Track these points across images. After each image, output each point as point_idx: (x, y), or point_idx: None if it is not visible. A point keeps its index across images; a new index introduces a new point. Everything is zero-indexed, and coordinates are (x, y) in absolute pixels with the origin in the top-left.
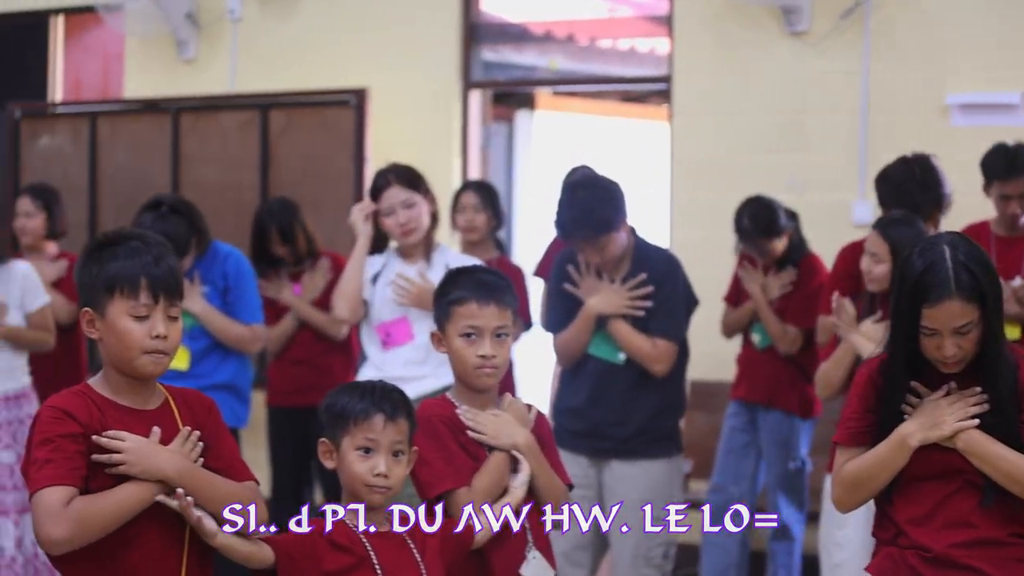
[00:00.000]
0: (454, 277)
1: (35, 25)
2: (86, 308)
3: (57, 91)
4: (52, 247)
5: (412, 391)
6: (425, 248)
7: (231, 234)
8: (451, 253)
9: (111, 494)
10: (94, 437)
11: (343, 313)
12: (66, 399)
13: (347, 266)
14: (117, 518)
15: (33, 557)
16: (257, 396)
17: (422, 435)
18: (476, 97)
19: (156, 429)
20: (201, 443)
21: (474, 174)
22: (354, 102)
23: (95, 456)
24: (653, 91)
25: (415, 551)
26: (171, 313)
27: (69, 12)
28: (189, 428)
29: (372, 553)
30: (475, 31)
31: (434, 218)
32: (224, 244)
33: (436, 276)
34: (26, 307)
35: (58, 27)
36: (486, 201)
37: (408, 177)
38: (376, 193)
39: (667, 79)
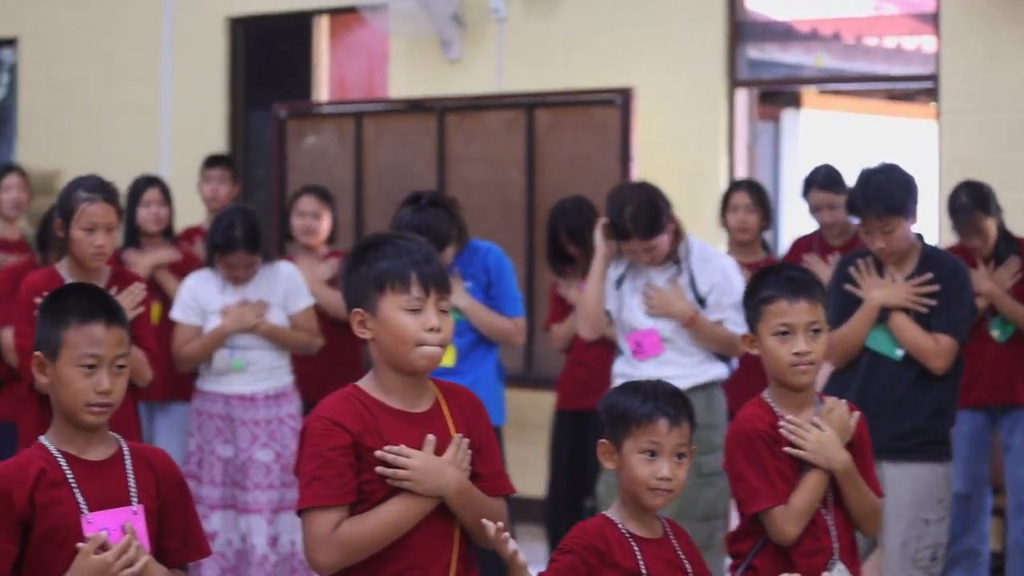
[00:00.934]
0: (762, 277)
1: (300, 26)
2: (356, 309)
3: (322, 91)
4: (323, 247)
5: None
6: (672, 253)
7: (497, 233)
8: (696, 249)
9: (380, 514)
10: (378, 453)
11: (584, 333)
12: (337, 406)
13: (587, 285)
14: (386, 539)
15: (289, 556)
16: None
17: (737, 447)
18: (742, 96)
19: (431, 438)
20: (470, 451)
21: (741, 174)
22: (620, 101)
23: (379, 469)
24: (920, 89)
25: (684, 559)
26: (442, 306)
27: (333, 12)
28: (461, 435)
29: (642, 564)
30: (740, 29)
31: (677, 234)
32: (482, 241)
33: (687, 280)
34: (289, 308)
35: (322, 27)
36: (758, 201)
37: (649, 226)
38: (617, 236)
39: (934, 77)
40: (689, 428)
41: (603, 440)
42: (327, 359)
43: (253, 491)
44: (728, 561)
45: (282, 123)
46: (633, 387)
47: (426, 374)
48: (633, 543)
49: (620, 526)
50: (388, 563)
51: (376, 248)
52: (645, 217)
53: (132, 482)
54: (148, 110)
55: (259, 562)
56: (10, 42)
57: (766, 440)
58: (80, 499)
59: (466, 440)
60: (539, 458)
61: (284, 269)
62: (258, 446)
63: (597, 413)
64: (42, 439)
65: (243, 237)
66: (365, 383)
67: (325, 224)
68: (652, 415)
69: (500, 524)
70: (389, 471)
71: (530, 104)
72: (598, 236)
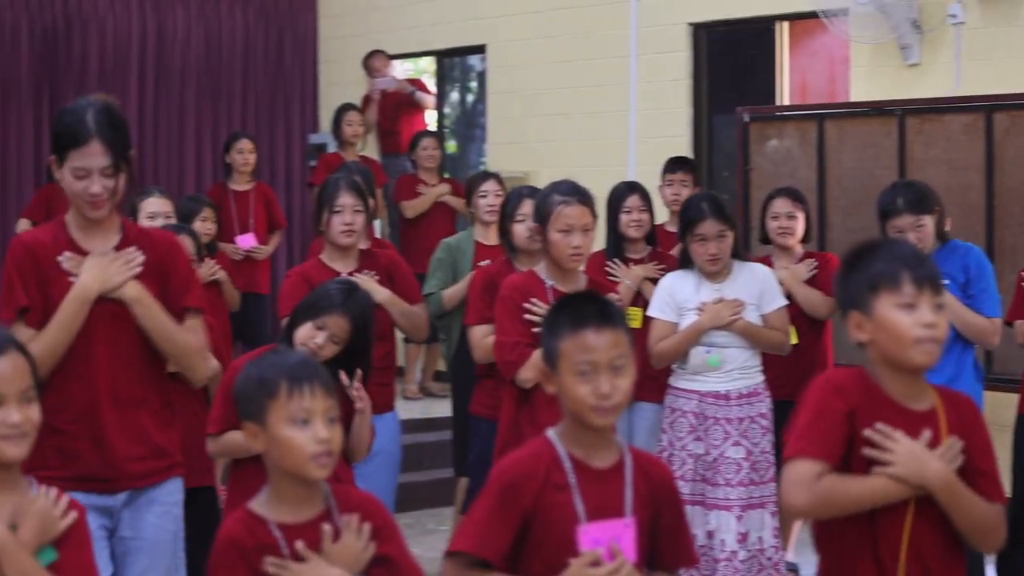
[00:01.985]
0: None
1: (762, 31)
2: (852, 311)
3: (784, 95)
4: (799, 248)
5: None
6: None
7: (957, 235)
8: None
9: (863, 483)
10: (867, 432)
11: None
12: (846, 377)
13: None
14: (861, 506)
15: (758, 552)
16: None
17: None
18: None
19: (927, 433)
20: (962, 456)
21: None
22: None
23: (865, 451)
24: None
25: None
26: (936, 305)
27: (794, 18)
28: (955, 438)
29: None
30: None
31: None
32: (962, 241)
33: None
34: (763, 307)
35: (783, 33)
36: None
37: None
38: None
39: None
40: None
41: None
42: (797, 359)
43: (723, 487)
44: None
45: (745, 126)
46: None
47: (923, 372)
48: None
49: None
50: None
51: (869, 252)
52: None
53: (629, 493)
54: (615, 115)
55: (727, 558)
56: (479, 49)
57: None
58: (579, 507)
59: (960, 444)
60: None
61: (760, 269)
62: (729, 443)
63: None
64: (551, 435)
65: (710, 209)
66: (871, 367)
67: (800, 225)
68: None
69: None
70: (873, 452)
71: (989, 107)
72: None
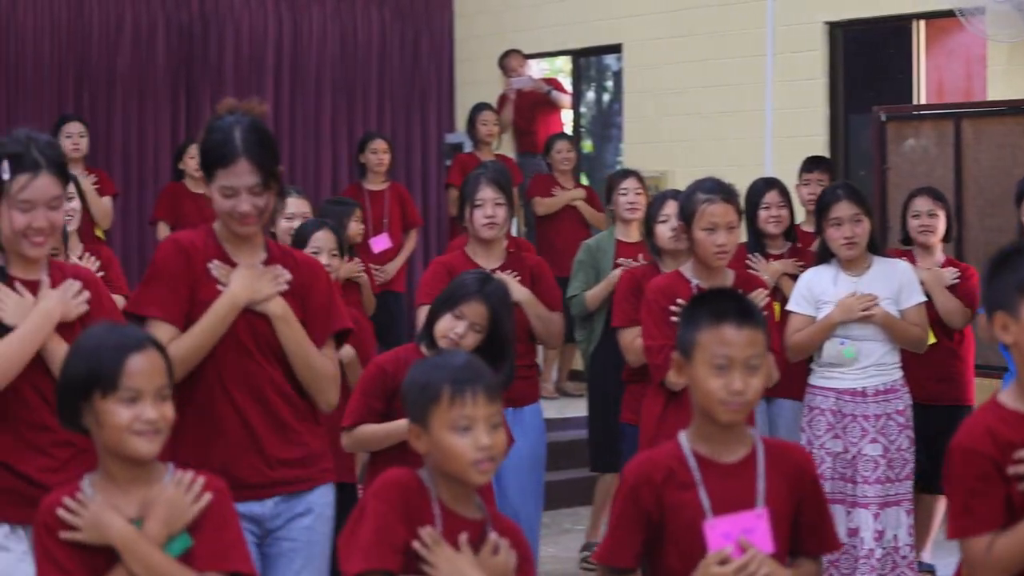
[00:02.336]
0: None
1: (898, 30)
2: (998, 312)
3: (921, 93)
4: (940, 250)
5: None
6: None
7: None
8: None
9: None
10: (1010, 470)
11: None
12: (980, 420)
13: None
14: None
15: (893, 550)
16: None
17: None
18: None
19: None
20: None
21: None
22: None
23: (1021, 487)
24: None
25: None
26: None
27: (930, 16)
28: None
29: None
30: None
31: None
32: None
33: None
34: (901, 303)
35: (920, 31)
36: None
37: None
38: None
39: None
40: None
41: None
42: (934, 360)
43: (861, 485)
44: None
45: (882, 125)
46: None
47: None
48: None
49: None
50: None
51: (1018, 253)
52: None
53: (761, 485)
54: (751, 115)
55: (865, 556)
56: (615, 48)
57: None
58: (705, 503)
59: None
60: None
61: (900, 265)
62: (867, 441)
63: None
64: (681, 436)
65: (844, 192)
66: (1007, 394)
67: (941, 224)
68: None
69: None
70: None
71: None
72: None
